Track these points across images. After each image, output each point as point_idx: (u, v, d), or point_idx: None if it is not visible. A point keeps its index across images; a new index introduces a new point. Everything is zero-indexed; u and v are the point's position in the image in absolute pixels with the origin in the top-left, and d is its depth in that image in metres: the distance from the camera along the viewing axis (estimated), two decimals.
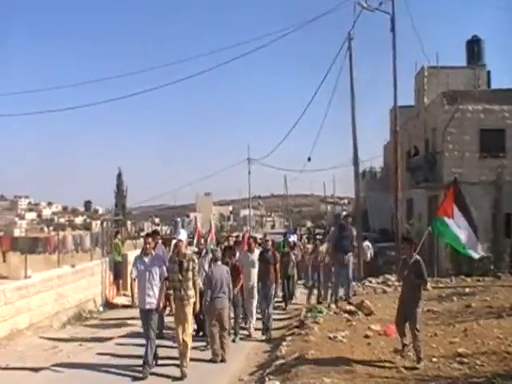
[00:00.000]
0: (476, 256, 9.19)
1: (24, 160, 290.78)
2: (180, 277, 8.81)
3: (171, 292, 9.08)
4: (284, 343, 9.80)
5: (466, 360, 7.53)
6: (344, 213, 15.78)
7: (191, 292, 8.89)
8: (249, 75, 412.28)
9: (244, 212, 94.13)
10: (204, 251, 12.21)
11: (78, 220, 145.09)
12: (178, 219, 70.76)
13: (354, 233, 13.95)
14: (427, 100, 29.05)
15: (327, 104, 24.72)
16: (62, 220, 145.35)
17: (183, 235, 9.28)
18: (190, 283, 8.89)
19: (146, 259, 8.97)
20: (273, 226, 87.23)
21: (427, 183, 25.77)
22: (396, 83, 18.02)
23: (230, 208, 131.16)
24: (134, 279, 9.08)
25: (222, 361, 9.70)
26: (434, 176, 25.46)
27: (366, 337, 9.29)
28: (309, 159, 32.94)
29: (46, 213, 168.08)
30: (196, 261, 9.19)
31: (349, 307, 11.77)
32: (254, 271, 12.04)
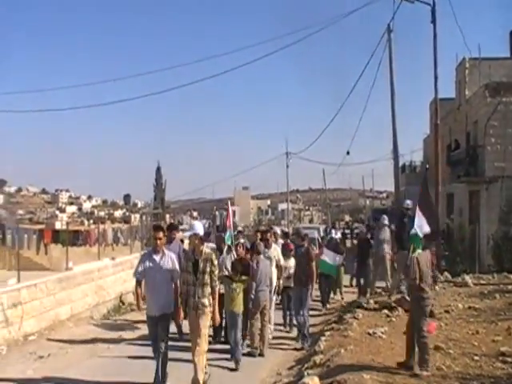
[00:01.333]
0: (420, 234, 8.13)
1: (65, 154, 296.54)
2: (194, 279, 7.51)
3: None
4: (322, 338, 9.75)
5: (509, 359, 7.34)
6: (408, 202, 13.44)
7: (207, 300, 7.52)
8: (287, 67, 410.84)
9: (282, 206, 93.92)
10: (226, 248, 11.13)
11: (118, 213, 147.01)
12: (217, 212, 71.07)
13: None
14: (469, 92, 28.44)
15: (366, 97, 24.51)
16: (101, 213, 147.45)
17: (198, 228, 7.72)
18: (207, 289, 7.52)
19: (157, 257, 7.72)
20: (311, 220, 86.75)
21: (468, 178, 25.26)
22: (436, 75, 17.67)
23: (268, 202, 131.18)
24: (140, 281, 7.87)
25: (261, 355, 9.74)
26: (476, 170, 24.95)
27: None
28: (348, 153, 32.65)
29: (86, 206, 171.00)
30: (216, 262, 7.70)
31: (388, 303, 11.63)
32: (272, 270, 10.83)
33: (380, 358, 7.65)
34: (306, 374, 7.56)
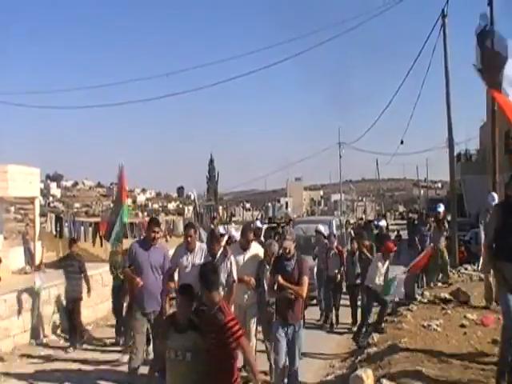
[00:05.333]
0: None
1: (119, 148, 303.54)
2: None
3: None
4: None
5: None
6: None
7: None
8: (341, 56, 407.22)
9: (335, 197, 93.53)
10: (221, 251, 7.61)
11: (171, 206, 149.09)
12: (269, 204, 71.33)
13: None
14: None
15: (420, 85, 23.98)
16: (155, 206, 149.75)
17: None
18: None
19: None
20: (364, 211, 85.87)
21: None
22: None
23: (321, 193, 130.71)
24: None
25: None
26: None
27: (462, 326, 8.92)
28: (401, 142, 31.98)
29: (141, 199, 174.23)
30: None
31: (443, 295, 11.36)
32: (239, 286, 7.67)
33: (435, 352, 7.47)
34: (359, 366, 7.47)
